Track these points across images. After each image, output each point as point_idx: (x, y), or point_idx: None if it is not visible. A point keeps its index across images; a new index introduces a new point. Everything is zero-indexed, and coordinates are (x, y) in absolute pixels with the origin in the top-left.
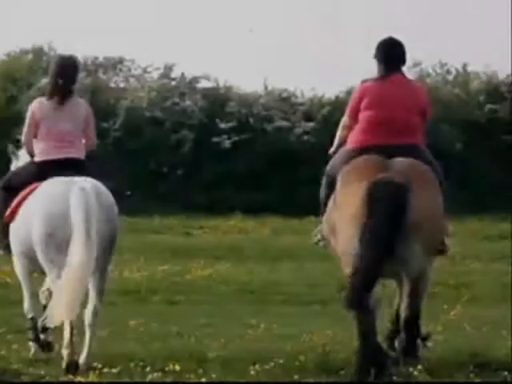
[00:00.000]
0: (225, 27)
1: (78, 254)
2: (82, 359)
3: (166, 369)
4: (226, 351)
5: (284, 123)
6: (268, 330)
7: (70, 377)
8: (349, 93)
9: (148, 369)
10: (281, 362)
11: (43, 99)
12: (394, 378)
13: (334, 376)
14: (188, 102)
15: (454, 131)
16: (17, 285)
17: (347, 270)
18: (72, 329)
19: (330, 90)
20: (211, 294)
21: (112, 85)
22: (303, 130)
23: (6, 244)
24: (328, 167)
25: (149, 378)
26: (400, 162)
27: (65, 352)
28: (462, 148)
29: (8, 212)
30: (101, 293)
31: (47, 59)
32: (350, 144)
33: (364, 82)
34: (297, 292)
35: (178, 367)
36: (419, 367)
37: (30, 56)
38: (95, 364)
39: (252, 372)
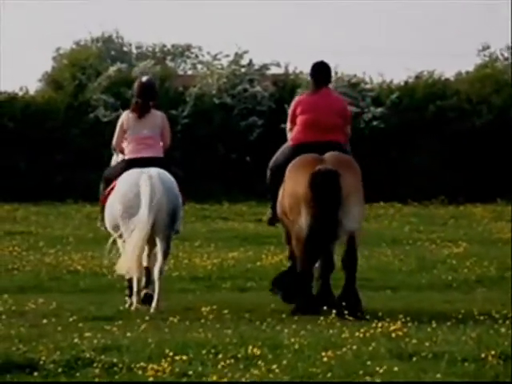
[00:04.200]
0: (294, 15)
1: (141, 220)
2: (152, 306)
3: (238, 355)
4: (298, 337)
5: (353, 109)
6: (339, 316)
7: (142, 364)
8: (417, 77)
9: (220, 356)
10: (353, 347)
11: (129, 112)
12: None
13: (406, 362)
14: (257, 88)
15: None
16: (87, 273)
17: (299, 237)
18: (139, 281)
19: (398, 75)
20: None
21: (180, 72)
22: (372, 115)
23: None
24: (272, 161)
25: (220, 364)
26: (330, 155)
27: (134, 299)
28: None
29: (103, 196)
30: (165, 254)
31: (116, 47)
32: (290, 142)
33: (300, 95)
34: (367, 277)
35: (249, 354)
36: (493, 352)
37: (99, 44)
38: (165, 351)
39: (324, 359)
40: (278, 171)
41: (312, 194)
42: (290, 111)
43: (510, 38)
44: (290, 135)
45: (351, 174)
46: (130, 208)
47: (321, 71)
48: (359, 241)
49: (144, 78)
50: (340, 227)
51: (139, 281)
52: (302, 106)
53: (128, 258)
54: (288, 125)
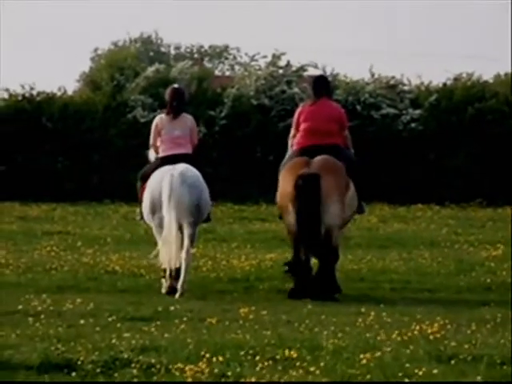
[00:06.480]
0: (332, 16)
1: (166, 218)
2: (179, 285)
3: (277, 357)
4: (336, 339)
5: (391, 110)
6: (378, 318)
7: (180, 365)
8: (456, 80)
9: (258, 357)
10: (391, 350)
11: (163, 115)
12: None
13: (445, 364)
14: (295, 90)
15: None
16: (125, 273)
17: (289, 231)
18: (171, 271)
19: (437, 77)
20: None
21: (218, 73)
22: (411, 117)
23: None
24: (282, 163)
25: (259, 366)
26: (317, 160)
27: (165, 283)
28: None
29: (141, 192)
30: (191, 237)
31: (154, 48)
32: (295, 146)
33: (303, 106)
34: (405, 279)
35: (288, 355)
36: None
37: (138, 45)
38: (203, 352)
39: (362, 361)
40: None
41: (295, 194)
42: (294, 120)
43: (510, 39)
44: (291, 141)
45: (333, 175)
46: (155, 204)
47: (320, 84)
48: (340, 239)
49: (176, 85)
50: (321, 224)
51: (171, 271)
52: (303, 115)
53: (163, 253)
54: (292, 131)
